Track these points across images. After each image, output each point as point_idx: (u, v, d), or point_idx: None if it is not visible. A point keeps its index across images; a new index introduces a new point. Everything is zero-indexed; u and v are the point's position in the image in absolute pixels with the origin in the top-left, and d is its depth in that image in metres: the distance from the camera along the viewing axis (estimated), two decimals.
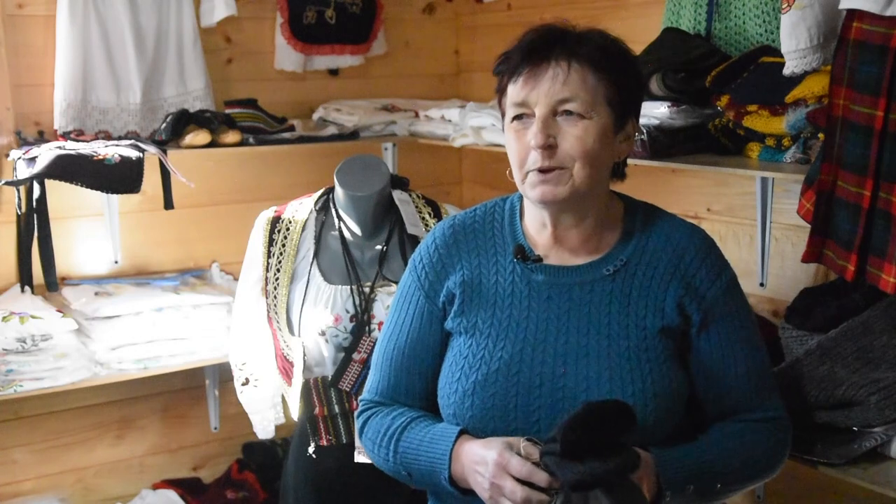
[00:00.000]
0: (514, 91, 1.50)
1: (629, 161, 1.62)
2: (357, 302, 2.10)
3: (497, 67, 1.55)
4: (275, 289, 2.15)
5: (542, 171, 1.47)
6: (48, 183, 2.47)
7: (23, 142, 2.67)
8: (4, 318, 2.46)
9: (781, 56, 1.86)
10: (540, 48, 1.48)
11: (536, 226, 1.59)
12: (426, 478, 1.54)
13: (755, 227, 2.30)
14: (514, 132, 1.51)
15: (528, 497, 1.38)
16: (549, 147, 1.46)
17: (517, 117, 1.50)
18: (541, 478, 1.37)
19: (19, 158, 2.51)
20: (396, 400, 1.64)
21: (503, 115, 1.56)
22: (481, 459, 1.44)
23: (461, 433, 1.51)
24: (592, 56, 1.47)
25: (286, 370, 2.20)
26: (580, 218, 1.55)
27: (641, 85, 1.62)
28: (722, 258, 1.59)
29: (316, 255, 2.15)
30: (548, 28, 1.52)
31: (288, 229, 2.18)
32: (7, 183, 2.47)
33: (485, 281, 1.58)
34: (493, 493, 1.42)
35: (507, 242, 1.60)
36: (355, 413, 1.71)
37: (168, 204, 2.67)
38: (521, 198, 1.64)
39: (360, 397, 1.71)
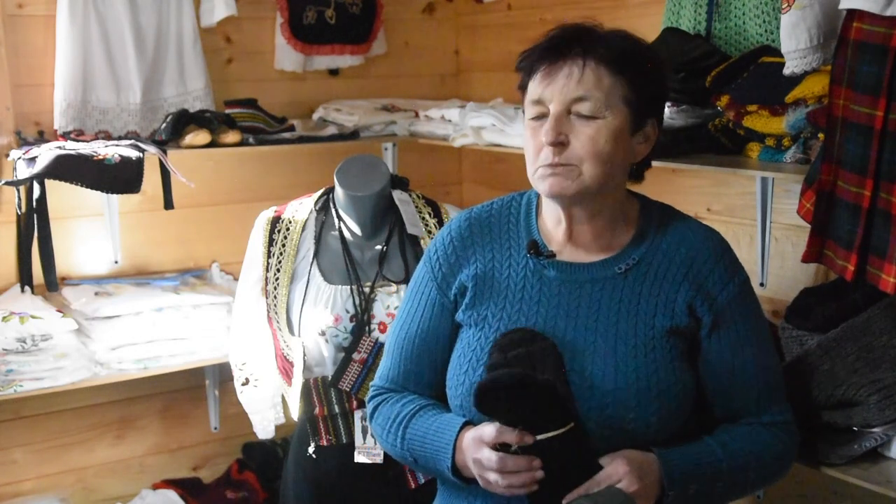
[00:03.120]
0: (532, 88, 1.52)
1: None
2: (357, 302, 2.10)
3: (518, 64, 1.56)
4: (275, 289, 2.15)
5: (551, 165, 1.48)
6: (48, 183, 2.47)
7: (23, 142, 2.67)
8: (4, 318, 2.46)
9: (781, 56, 1.86)
10: (557, 46, 1.50)
11: (552, 221, 1.59)
12: (431, 465, 1.56)
13: (755, 227, 2.30)
14: (530, 129, 1.52)
15: (503, 460, 1.40)
16: (559, 144, 1.47)
17: (536, 117, 1.51)
18: (510, 436, 1.40)
19: (19, 158, 2.51)
20: (406, 388, 1.67)
21: (524, 111, 1.57)
22: (468, 444, 1.47)
23: (465, 424, 1.52)
24: (609, 56, 1.48)
25: (286, 370, 2.20)
26: (593, 214, 1.55)
27: (664, 87, 1.61)
28: (735, 261, 1.59)
29: (316, 255, 2.15)
30: (571, 27, 1.53)
31: (288, 229, 2.18)
32: (7, 183, 2.47)
33: (497, 275, 1.59)
34: (479, 471, 1.45)
35: (521, 237, 1.61)
36: (366, 398, 1.73)
37: (168, 204, 2.67)
38: (538, 193, 1.64)
39: (371, 383, 1.74)
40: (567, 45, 1.49)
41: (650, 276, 1.54)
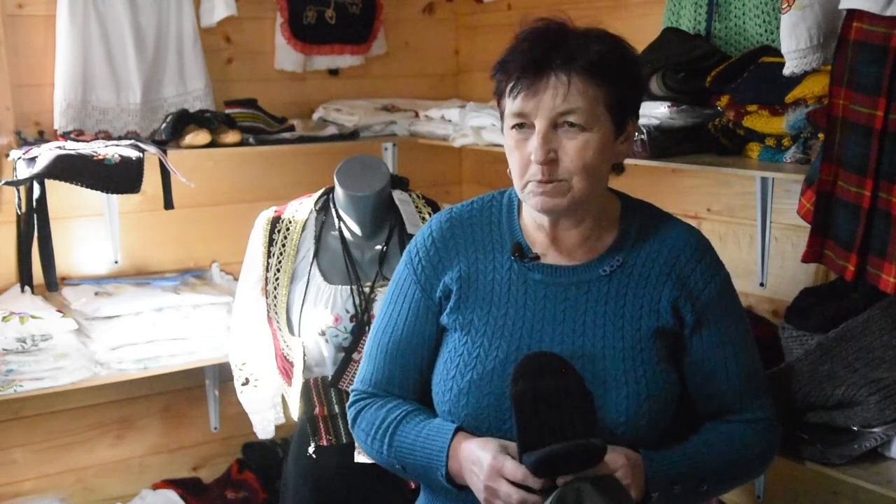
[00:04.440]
0: (514, 103, 1.48)
1: (628, 160, 1.62)
2: (357, 302, 2.10)
3: (494, 74, 1.53)
4: (275, 289, 2.15)
5: (541, 182, 1.47)
6: (48, 183, 2.47)
7: (23, 142, 2.67)
8: (4, 318, 2.46)
9: (781, 56, 1.86)
10: (538, 59, 1.46)
11: (535, 225, 1.59)
12: (421, 472, 1.55)
13: (755, 227, 2.30)
14: (514, 141, 1.50)
15: (524, 500, 1.39)
16: (549, 161, 1.45)
17: (518, 126, 1.49)
18: (535, 481, 1.39)
19: (19, 158, 2.51)
20: (390, 392, 1.64)
21: (502, 116, 1.55)
22: (477, 460, 1.45)
23: (457, 430, 1.51)
24: (591, 66, 1.45)
25: (286, 370, 2.20)
26: (578, 221, 1.54)
27: (642, 85, 1.61)
28: (717, 259, 1.59)
29: (316, 255, 2.15)
30: (545, 30, 1.50)
31: (288, 229, 2.18)
32: (7, 183, 2.47)
33: (482, 277, 1.58)
34: (488, 496, 1.43)
35: (504, 239, 1.60)
36: (347, 403, 1.71)
37: (168, 204, 2.67)
38: None
39: (351, 387, 1.70)
40: (548, 56, 1.45)
41: (634, 277, 1.54)
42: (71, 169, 2.43)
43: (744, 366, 1.56)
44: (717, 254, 1.60)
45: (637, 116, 1.58)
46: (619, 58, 1.50)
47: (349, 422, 1.68)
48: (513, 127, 1.50)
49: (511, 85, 1.48)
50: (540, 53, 1.46)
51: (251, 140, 2.80)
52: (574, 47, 1.46)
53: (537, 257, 1.57)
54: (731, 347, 1.55)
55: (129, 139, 2.67)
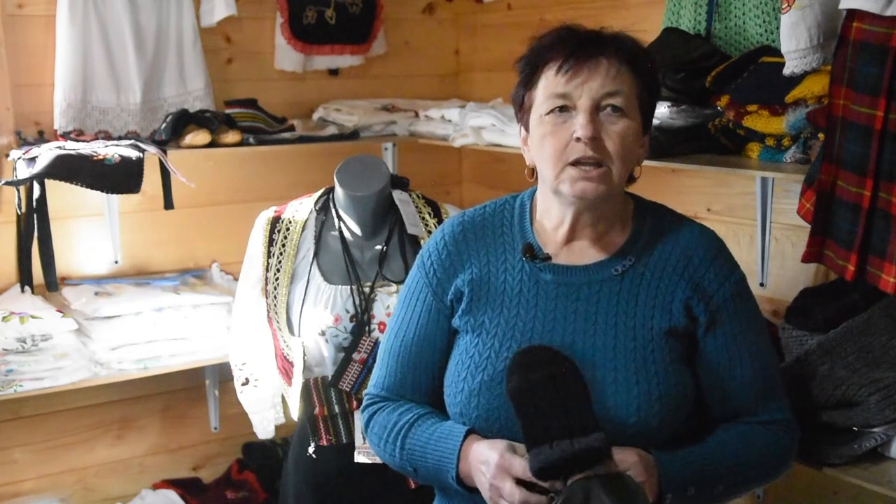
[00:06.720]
0: (556, 82, 1.47)
1: None
2: (357, 302, 2.10)
3: (527, 63, 1.53)
4: (275, 289, 2.15)
5: (583, 163, 1.46)
6: (48, 183, 2.47)
7: (23, 142, 2.67)
8: (4, 318, 2.46)
9: (781, 56, 1.87)
10: (592, 40, 1.49)
11: (552, 223, 1.58)
12: (433, 474, 1.55)
13: (755, 227, 2.30)
14: (550, 126, 1.48)
15: (526, 500, 1.39)
16: (595, 139, 1.46)
17: (559, 109, 1.48)
18: (540, 489, 1.38)
19: (19, 158, 2.51)
20: (402, 395, 1.65)
21: (525, 109, 1.54)
22: (485, 459, 1.45)
23: (469, 432, 1.51)
24: (633, 57, 1.49)
25: (286, 370, 2.20)
26: (598, 218, 1.55)
27: (659, 91, 1.63)
28: (731, 260, 1.58)
29: (316, 255, 2.15)
30: (578, 27, 1.52)
31: (288, 229, 2.18)
32: (7, 183, 2.47)
33: (493, 279, 1.58)
34: (493, 494, 1.43)
35: (516, 241, 1.60)
36: (360, 407, 1.71)
37: (168, 204, 2.67)
38: (531, 196, 1.63)
39: (364, 391, 1.72)
40: (598, 38, 1.49)
41: (647, 276, 1.54)
42: (71, 169, 2.43)
43: (759, 367, 1.55)
44: (732, 254, 1.60)
45: (651, 126, 1.60)
46: (649, 58, 1.54)
47: (363, 425, 1.69)
48: (550, 112, 1.49)
49: (559, 65, 1.48)
50: (591, 36, 1.49)
51: (251, 140, 2.80)
52: (611, 38, 1.50)
53: (548, 258, 1.57)
54: (745, 348, 1.54)
55: (129, 139, 2.67)
